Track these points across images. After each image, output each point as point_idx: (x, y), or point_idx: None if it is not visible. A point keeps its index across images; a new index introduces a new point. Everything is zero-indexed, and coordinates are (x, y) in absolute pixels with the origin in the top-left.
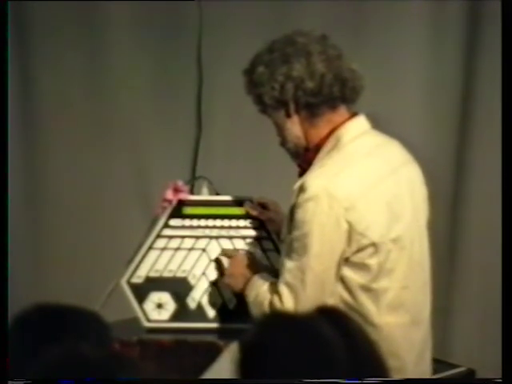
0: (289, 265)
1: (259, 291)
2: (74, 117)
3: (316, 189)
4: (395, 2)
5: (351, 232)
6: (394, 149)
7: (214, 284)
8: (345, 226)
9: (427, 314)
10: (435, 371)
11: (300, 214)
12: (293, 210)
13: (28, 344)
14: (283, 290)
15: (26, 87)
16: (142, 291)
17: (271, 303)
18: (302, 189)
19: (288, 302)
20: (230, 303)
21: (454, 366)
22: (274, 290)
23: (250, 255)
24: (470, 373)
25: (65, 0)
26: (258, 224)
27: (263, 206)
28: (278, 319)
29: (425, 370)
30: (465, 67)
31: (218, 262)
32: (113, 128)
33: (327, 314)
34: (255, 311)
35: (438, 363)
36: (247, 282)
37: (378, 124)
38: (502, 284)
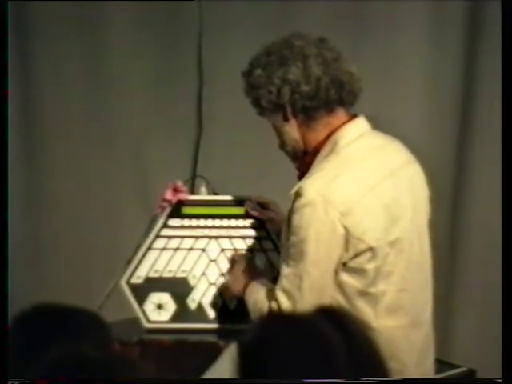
0: (286, 271)
1: (257, 298)
2: (75, 117)
3: (312, 194)
4: (395, 1)
5: (348, 237)
6: (393, 150)
7: (214, 284)
8: (341, 231)
9: (428, 314)
10: (436, 371)
11: (296, 220)
12: (290, 216)
13: (28, 344)
14: (280, 296)
15: (26, 87)
16: (141, 292)
17: (269, 310)
18: (298, 194)
19: (286, 309)
20: (231, 303)
21: (454, 366)
22: (272, 296)
23: (248, 258)
24: (471, 373)
25: (65, 0)
26: (258, 224)
27: (263, 206)
28: (277, 319)
29: (426, 371)
30: (465, 67)
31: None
32: (113, 128)
33: (327, 314)
34: (254, 317)
35: (439, 363)
36: (246, 286)
37: (378, 125)
38: (502, 284)
